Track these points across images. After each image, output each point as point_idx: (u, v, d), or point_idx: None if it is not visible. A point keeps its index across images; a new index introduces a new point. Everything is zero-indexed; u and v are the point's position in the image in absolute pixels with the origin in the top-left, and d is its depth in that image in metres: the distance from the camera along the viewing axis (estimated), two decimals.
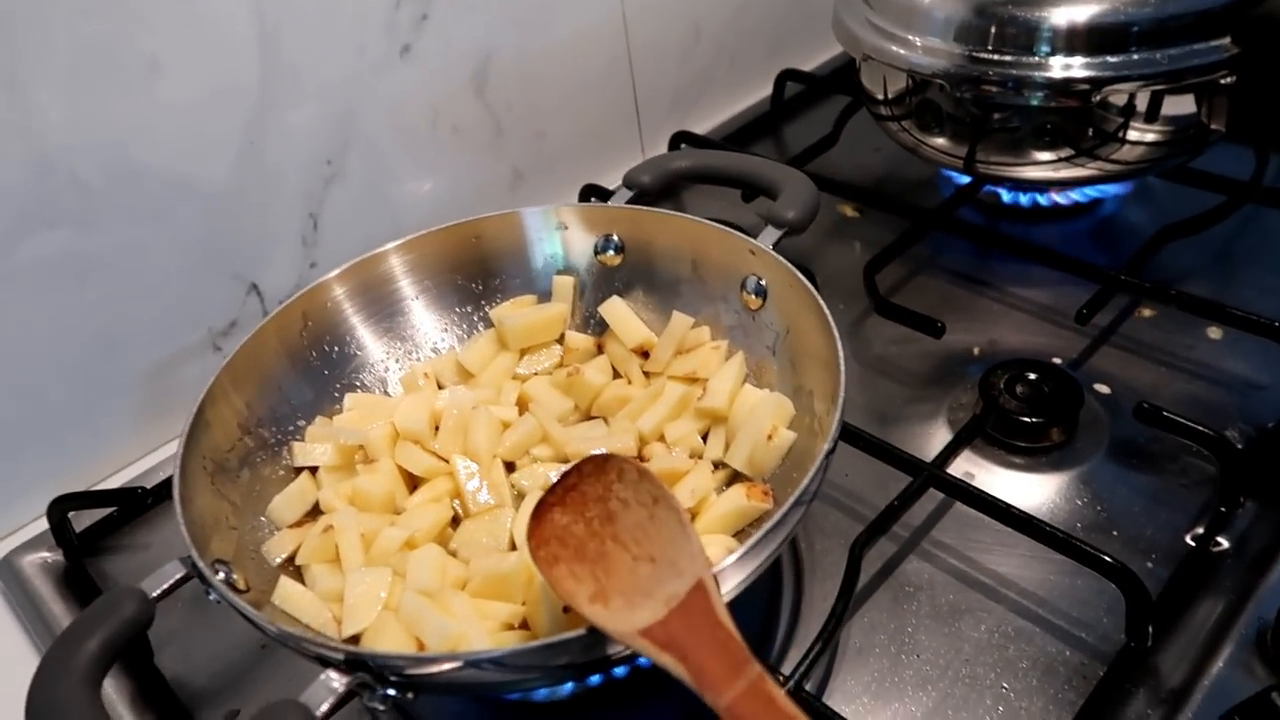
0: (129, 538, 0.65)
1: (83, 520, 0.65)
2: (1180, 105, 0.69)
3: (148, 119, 0.64)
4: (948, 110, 0.74)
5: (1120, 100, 0.68)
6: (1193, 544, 0.55)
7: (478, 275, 0.66)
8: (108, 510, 0.65)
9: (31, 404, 0.65)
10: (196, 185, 0.68)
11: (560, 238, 0.66)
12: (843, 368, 0.50)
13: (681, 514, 0.43)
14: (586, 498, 0.43)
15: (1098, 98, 0.68)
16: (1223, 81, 0.67)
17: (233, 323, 0.74)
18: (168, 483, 0.48)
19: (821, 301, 0.54)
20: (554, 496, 0.44)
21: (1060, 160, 0.73)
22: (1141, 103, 0.69)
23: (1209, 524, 0.55)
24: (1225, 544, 0.55)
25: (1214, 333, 0.69)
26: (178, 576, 0.44)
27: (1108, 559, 0.51)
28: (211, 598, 0.44)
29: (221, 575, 0.47)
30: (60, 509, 0.63)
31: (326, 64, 0.72)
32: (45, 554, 0.64)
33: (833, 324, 0.52)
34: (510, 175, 0.88)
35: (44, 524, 0.63)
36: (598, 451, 0.57)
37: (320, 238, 0.76)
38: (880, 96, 0.80)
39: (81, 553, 0.63)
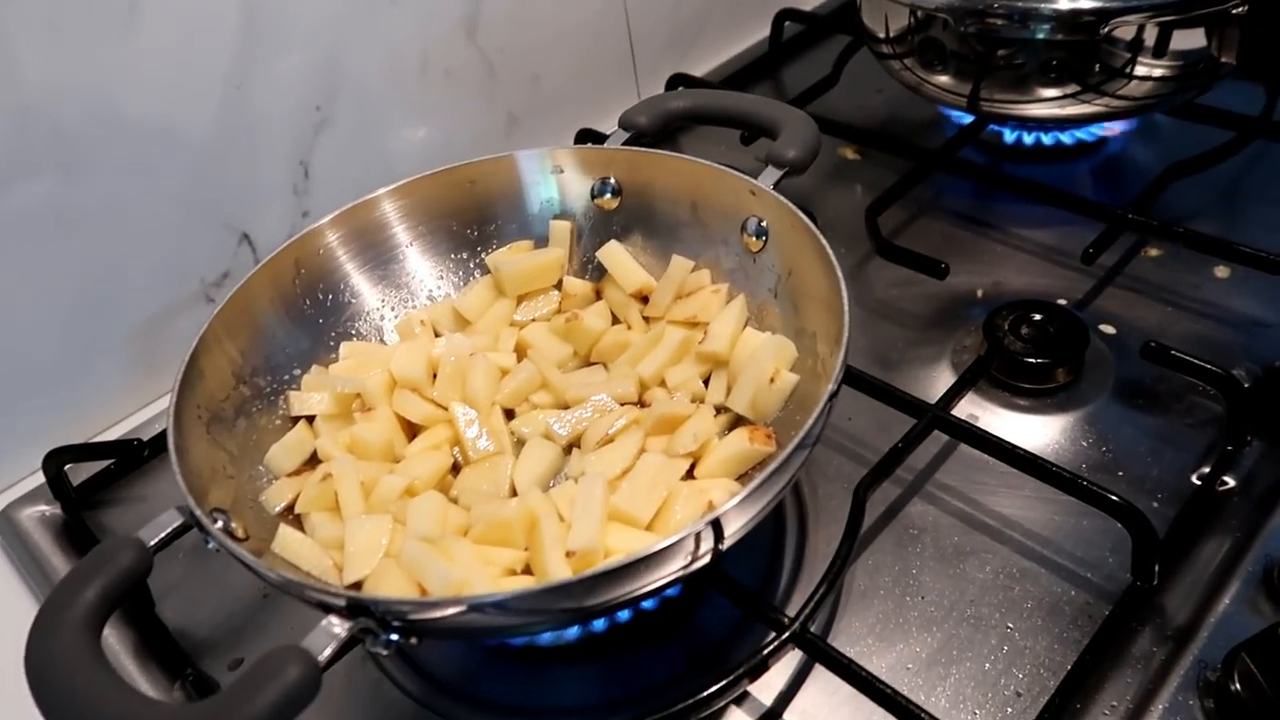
0: (126, 490, 0.65)
1: (80, 474, 0.65)
2: (1190, 38, 0.68)
3: (128, 64, 0.62)
4: (951, 47, 0.73)
5: (1128, 34, 0.67)
6: (1199, 483, 0.55)
7: (473, 221, 0.65)
8: (105, 463, 0.65)
9: (24, 358, 0.64)
10: (182, 133, 0.66)
11: (556, 181, 0.65)
12: (846, 308, 0.49)
13: None
14: None
15: (1105, 30, 0.66)
16: (1234, 12, 0.66)
17: (225, 274, 0.72)
18: (164, 435, 0.48)
19: (824, 241, 0.52)
20: None
21: (1066, 97, 0.71)
22: (1150, 36, 0.67)
23: (1215, 463, 0.55)
24: (1232, 483, 0.54)
25: (1221, 271, 0.68)
26: (175, 525, 0.44)
27: (1114, 498, 0.50)
28: (210, 546, 0.44)
29: (220, 523, 0.46)
30: (57, 462, 0.62)
31: (311, 6, 0.70)
32: (44, 507, 0.63)
33: (835, 264, 0.51)
34: (505, 120, 0.86)
35: (41, 478, 0.63)
36: (598, 398, 0.56)
37: (312, 186, 0.75)
38: (881, 34, 0.78)
39: (79, 505, 0.63)
